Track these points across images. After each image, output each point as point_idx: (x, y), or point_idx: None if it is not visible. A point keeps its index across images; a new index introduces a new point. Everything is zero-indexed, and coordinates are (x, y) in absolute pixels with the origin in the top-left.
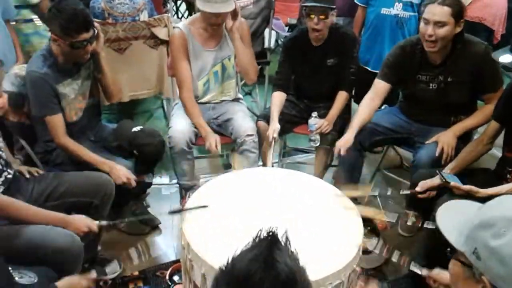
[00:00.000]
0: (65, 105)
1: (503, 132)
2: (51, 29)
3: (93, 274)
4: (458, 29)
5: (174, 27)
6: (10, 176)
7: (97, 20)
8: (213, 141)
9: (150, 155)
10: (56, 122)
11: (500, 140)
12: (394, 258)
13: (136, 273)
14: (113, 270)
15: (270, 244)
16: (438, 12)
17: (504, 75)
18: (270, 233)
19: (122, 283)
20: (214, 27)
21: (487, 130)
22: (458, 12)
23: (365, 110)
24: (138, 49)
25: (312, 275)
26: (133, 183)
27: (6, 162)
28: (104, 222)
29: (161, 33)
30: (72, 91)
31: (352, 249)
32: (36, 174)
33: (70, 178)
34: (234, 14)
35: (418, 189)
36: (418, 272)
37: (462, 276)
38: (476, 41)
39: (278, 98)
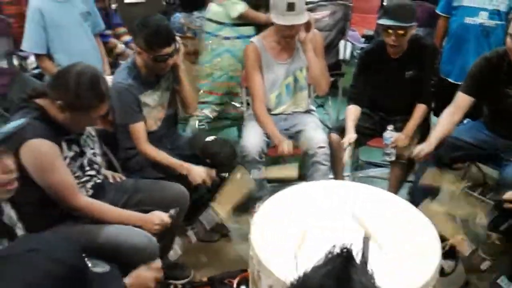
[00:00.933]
0: (146, 114)
1: None
2: (136, 43)
3: (159, 263)
4: None
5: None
6: (99, 181)
7: (178, 34)
8: (286, 145)
9: (221, 164)
10: (139, 130)
11: None
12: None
13: (205, 279)
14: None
15: (345, 260)
16: None
17: None
18: (345, 249)
19: None
20: (287, 39)
21: None
22: None
23: (445, 124)
24: None
25: None
26: (209, 183)
27: (99, 168)
28: (172, 211)
29: None
30: (153, 102)
31: (429, 270)
32: (118, 179)
33: (148, 187)
34: (308, 25)
35: (505, 197)
36: None
37: None
38: None
39: (353, 112)
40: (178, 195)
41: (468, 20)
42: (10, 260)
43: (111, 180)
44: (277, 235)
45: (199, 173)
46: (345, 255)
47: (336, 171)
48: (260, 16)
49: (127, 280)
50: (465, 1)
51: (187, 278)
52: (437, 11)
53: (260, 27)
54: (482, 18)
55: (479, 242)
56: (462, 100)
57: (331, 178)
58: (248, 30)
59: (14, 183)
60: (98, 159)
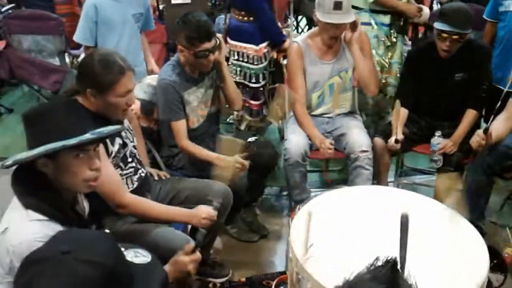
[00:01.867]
0: (189, 111)
1: None
2: (178, 40)
3: (198, 255)
4: None
5: (292, 41)
6: (143, 174)
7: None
8: (327, 142)
9: (263, 165)
10: (180, 126)
11: None
12: None
13: (243, 279)
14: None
15: (392, 269)
16: None
17: None
18: (391, 260)
19: (229, 287)
20: (333, 39)
21: None
22: None
23: (500, 128)
24: None
25: None
26: (246, 164)
27: (139, 161)
28: (215, 203)
29: None
30: (196, 99)
31: (476, 282)
32: (163, 177)
33: (193, 185)
34: (354, 25)
35: None
36: None
37: None
38: None
39: (400, 114)
40: (223, 193)
41: None
42: (43, 264)
43: (156, 178)
44: (317, 238)
45: (234, 161)
46: (392, 265)
47: (379, 176)
48: (398, 3)
49: (167, 267)
50: (511, 7)
51: (225, 277)
52: (484, 17)
53: (396, 15)
54: None
55: None
56: None
57: (374, 184)
58: (384, 18)
59: (97, 181)
60: (137, 153)
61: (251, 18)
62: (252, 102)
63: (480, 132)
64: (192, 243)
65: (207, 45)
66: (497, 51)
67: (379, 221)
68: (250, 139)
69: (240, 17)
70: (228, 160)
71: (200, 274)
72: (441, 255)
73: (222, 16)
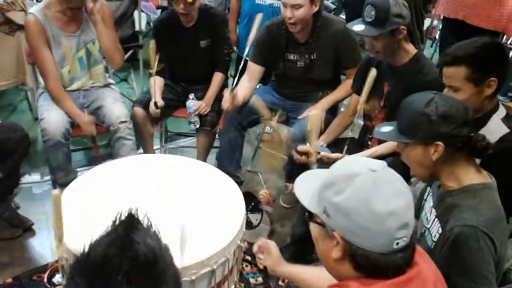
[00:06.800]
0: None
1: None
2: None
3: None
4: (315, 8)
5: (27, 13)
6: None
7: None
8: (87, 119)
9: (12, 152)
10: None
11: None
12: None
13: (10, 280)
14: None
15: (128, 225)
16: None
17: (362, 50)
18: (129, 215)
19: None
20: (74, 10)
21: (350, 103)
22: None
23: (242, 89)
24: None
25: (196, 256)
26: None
27: None
28: None
29: (17, 17)
30: None
31: (235, 226)
32: None
33: None
34: None
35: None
36: None
37: (319, 236)
38: (336, 19)
39: (155, 82)
40: None
41: (259, 0)
42: None
43: None
44: (82, 217)
45: None
46: (128, 220)
47: (144, 145)
48: None
49: None
50: None
51: None
52: None
53: None
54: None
55: (279, 193)
56: (253, 69)
57: (141, 153)
58: None
59: None
60: None
61: None
62: None
63: (227, 94)
64: None
65: None
66: (242, 24)
67: (150, 188)
68: None
69: None
70: None
71: None
72: (203, 207)
73: None
